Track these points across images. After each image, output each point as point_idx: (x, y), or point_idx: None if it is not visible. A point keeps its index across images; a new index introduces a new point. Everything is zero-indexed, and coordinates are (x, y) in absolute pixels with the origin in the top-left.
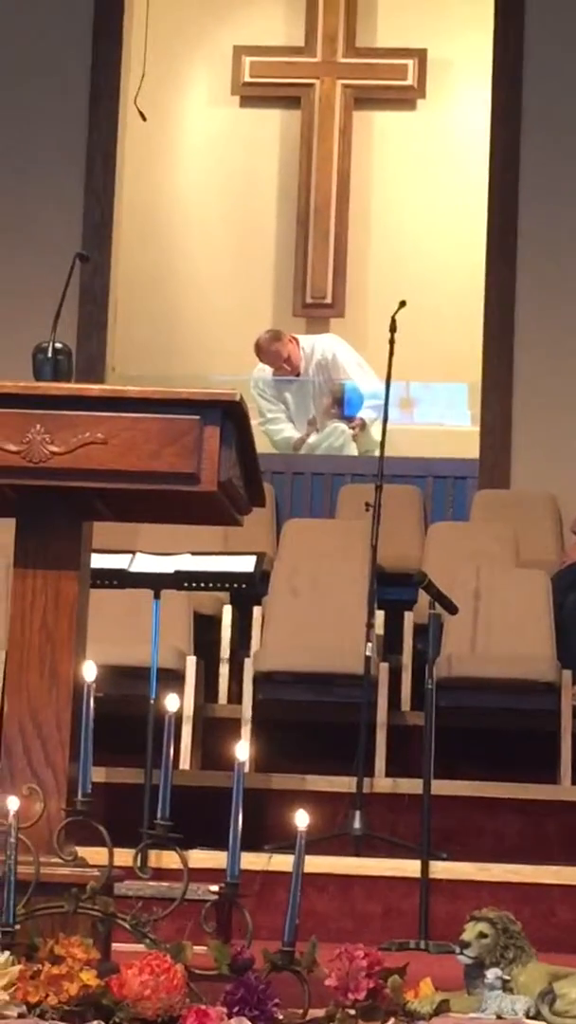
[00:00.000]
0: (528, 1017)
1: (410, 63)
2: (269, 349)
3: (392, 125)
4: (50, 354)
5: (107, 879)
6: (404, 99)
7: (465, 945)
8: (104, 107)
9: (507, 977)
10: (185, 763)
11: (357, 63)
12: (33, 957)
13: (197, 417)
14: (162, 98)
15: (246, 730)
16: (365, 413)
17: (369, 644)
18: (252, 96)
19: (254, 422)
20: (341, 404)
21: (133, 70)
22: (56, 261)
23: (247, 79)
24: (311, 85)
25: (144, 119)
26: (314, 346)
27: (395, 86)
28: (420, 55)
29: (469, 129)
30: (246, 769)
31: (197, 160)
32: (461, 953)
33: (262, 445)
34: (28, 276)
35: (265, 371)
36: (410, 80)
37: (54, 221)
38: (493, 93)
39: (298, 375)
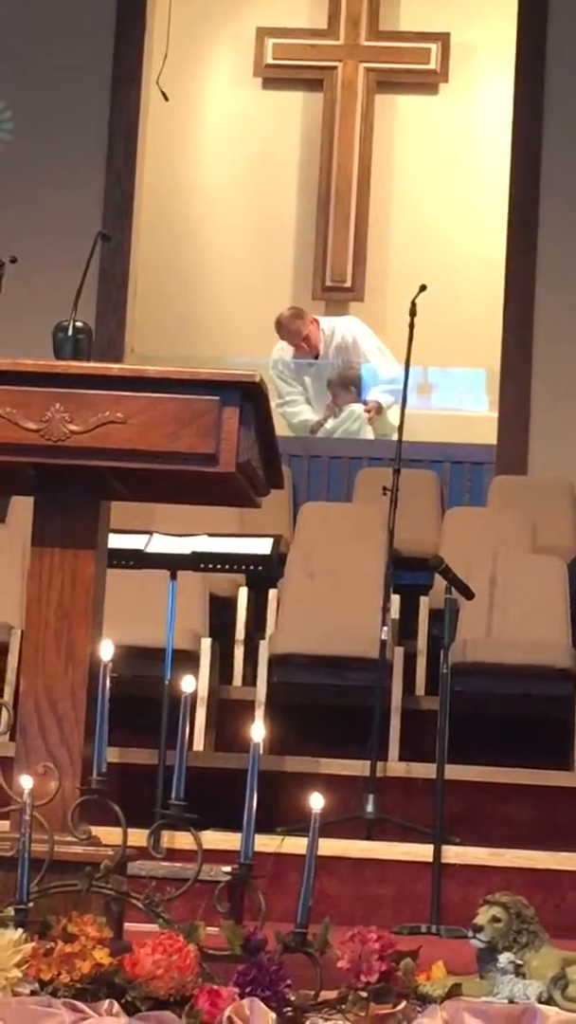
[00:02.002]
0: (540, 1002)
1: (433, 47)
2: (290, 326)
3: (414, 109)
4: (70, 333)
5: (121, 858)
6: (427, 83)
7: (478, 929)
8: (127, 88)
9: (520, 962)
10: (199, 745)
11: (380, 46)
12: (46, 935)
13: (216, 398)
14: (185, 79)
15: (260, 712)
16: (382, 397)
17: (384, 628)
18: (274, 78)
19: (272, 404)
20: (354, 387)
21: (156, 51)
22: (77, 241)
23: (270, 61)
24: (334, 68)
25: (166, 100)
26: (335, 328)
27: (418, 70)
28: (443, 39)
29: (491, 113)
30: (260, 751)
31: (218, 142)
32: (474, 937)
33: (279, 427)
34: (49, 256)
35: (285, 352)
36: (433, 64)
37: (75, 201)
38: (516, 77)
39: (316, 356)
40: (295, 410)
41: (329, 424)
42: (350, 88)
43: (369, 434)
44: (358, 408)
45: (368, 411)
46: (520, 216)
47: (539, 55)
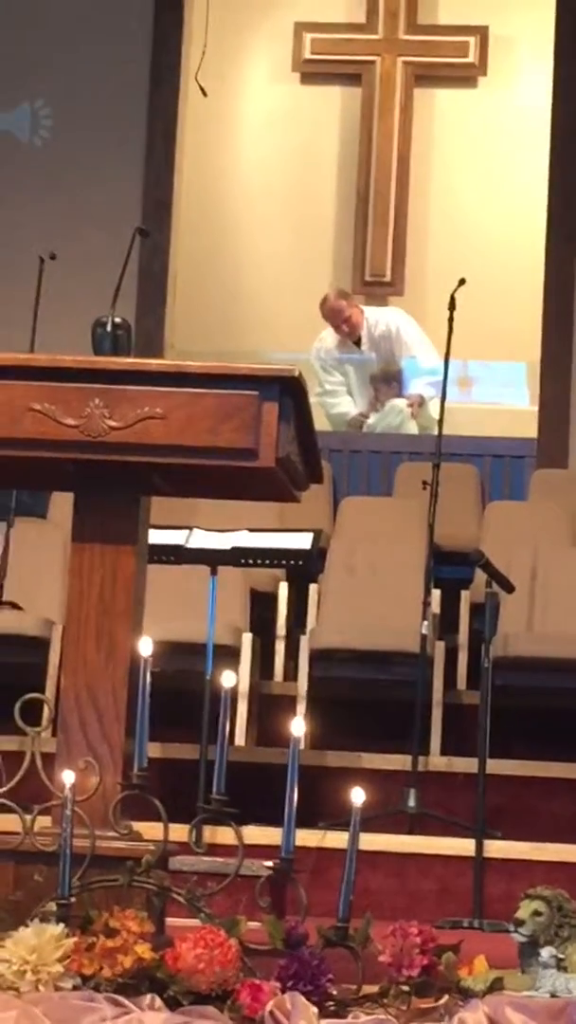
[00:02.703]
0: None
1: (471, 40)
2: (335, 304)
3: (453, 103)
4: (109, 329)
5: (162, 853)
6: (465, 76)
7: (519, 923)
8: (165, 84)
9: (561, 956)
10: (241, 739)
11: (418, 40)
12: (88, 930)
13: (256, 393)
14: (223, 74)
15: (301, 707)
16: (424, 390)
17: (425, 623)
18: (313, 73)
19: (312, 394)
20: (396, 381)
21: (194, 47)
22: (116, 238)
23: (308, 56)
24: (372, 62)
25: (205, 95)
26: (378, 319)
27: (456, 63)
28: (481, 32)
29: (530, 107)
30: (301, 746)
31: (257, 137)
32: (515, 931)
33: (318, 418)
34: (89, 253)
35: (327, 341)
36: (471, 57)
37: (115, 198)
38: (555, 70)
39: (357, 342)
40: (335, 400)
41: (372, 419)
42: (388, 82)
43: (412, 428)
44: (400, 402)
45: (411, 405)
46: (560, 208)
47: None
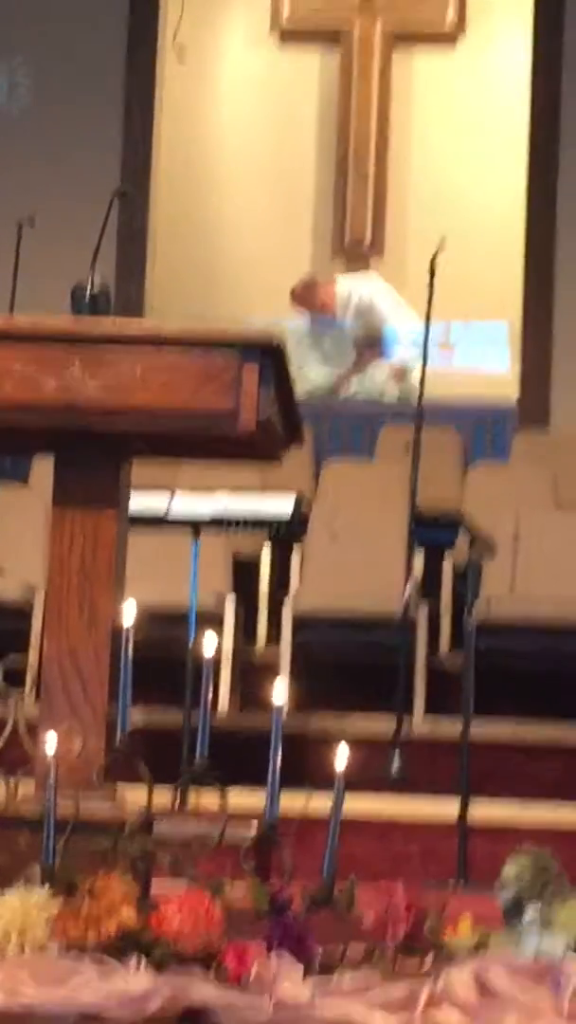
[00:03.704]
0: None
1: (450, 1)
2: (304, 296)
3: (432, 65)
4: (89, 292)
5: (146, 817)
6: (444, 38)
7: (504, 884)
8: (143, 47)
9: (546, 915)
10: (224, 706)
11: (396, 2)
12: (73, 894)
13: (236, 356)
14: (201, 38)
15: (284, 672)
16: (406, 350)
17: (408, 586)
18: (291, 35)
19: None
20: (378, 346)
21: (172, 8)
22: (95, 202)
23: (286, 18)
24: (350, 24)
25: (181, 61)
26: (351, 290)
27: (435, 24)
28: None
29: (510, 67)
30: (284, 711)
31: (236, 100)
32: (499, 892)
33: (302, 387)
34: (68, 217)
35: (303, 319)
36: (450, 19)
37: (93, 162)
38: (534, 30)
39: (335, 318)
40: (315, 370)
41: (353, 383)
42: (367, 44)
43: (393, 390)
44: (382, 368)
45: (392, 372)
46: (540, 169)
47: (557, 7)
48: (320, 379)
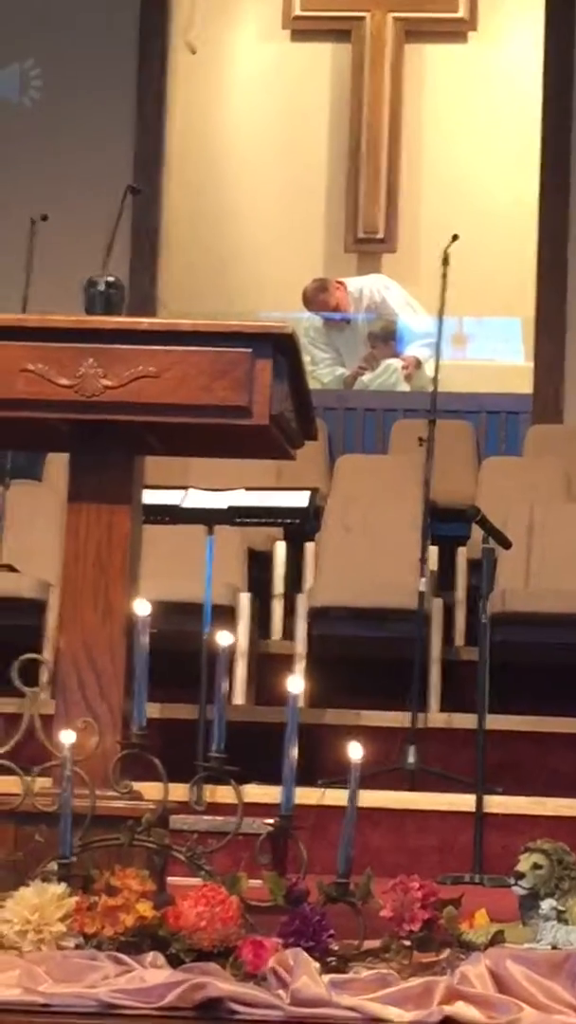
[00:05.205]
0: None
1: None
2: (316, 298)
3: (444, 58)
4: (101, 288)
5: (162, 812)
6: (456, 31)
7: (519, 876)
8: (154, 42)
9: (562, 908)
10: (240, 699)
11: None
12: (89, 889)
13: (249, 350)
14: (213, 32)
15: (299, 665)
16: (418, 351)
17: (422, 579)
18: (303, 30)
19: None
20: (393, 340)
21: (183, 3)
22: (108, 198)
23: (298, 13)
24: (362, 18)
25: (193, 52)
26: (362, 289)
27: (446, 18)
28: None
29: (521, 60)
30: (300, 704)
31: (248, 94)
32: (515, 884)
33: (312, 385)
34: (80, 212)
35: (315, 317)
36: (461, 12)
37: (105, 158)
38: (546, 23)
39: (348, 321)
40: (327, 370)
41: (366, 378)
42: (379, 38)
43: (405, 388)
44: (395, 362)
45: (406, 367)
46: (552, 162)
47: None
48: (333, 375)
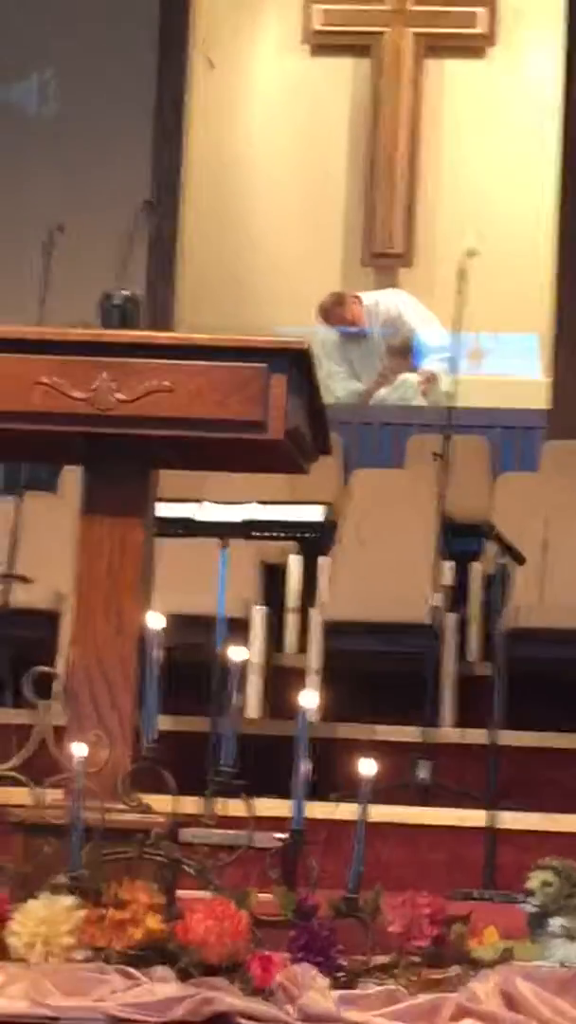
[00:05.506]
0: None
1: (480, 10)
2: (332, 312)
3: (463, 73)
4: (117, 302)
5: (172, 825)
6: (475, 47)
7: (529, 893)
8: (173, 56)
9: (571, 925)
10: (254, 712)
11: (427, 10)
12: (99, 902)
13: (264, 365)
14: (232, 46)
15: (313, 679)
16: (434, 365)
17: (436, 594)
18: (322, 44)
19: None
20: (410, 354)
21: (203, 16)
22: (126, 211)
23: (317, 27)
24: (381, 33)
25: (212, 66)
26: (378, 303)
27: (465, 34)
28: (491, 2)
29: (541, 76)
30: (313, 718)
31: (267, 109)
32: (525, 901)
33: (326, 399)
34: (99, 226)
35: (330, 331)
36: (481, 28)
37: (124, 171)
38: (566, 39)
39: (364, 335)
40: (341, 384)
41: (383, 392)
42: (398, 53)
43: (422, 403)
44: (412, 377)
45: (422, 381)
46: (570, 177)
47: None
48: (348, 390)
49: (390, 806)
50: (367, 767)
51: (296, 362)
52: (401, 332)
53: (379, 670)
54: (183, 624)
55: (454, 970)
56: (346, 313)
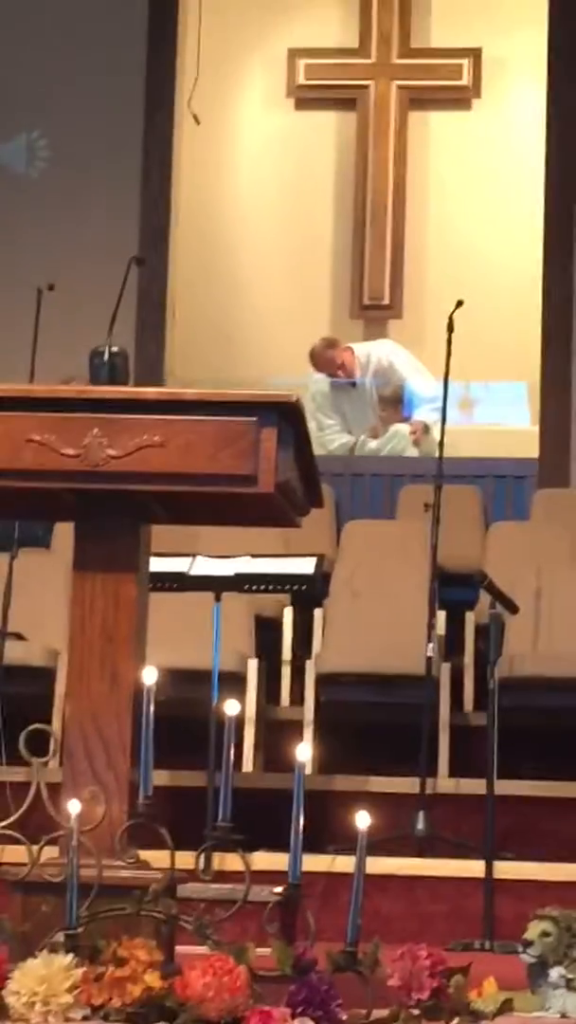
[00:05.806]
0: None
1: (465, 62)
2: (323, 355)
3: (448, 125)
4: (106, 357)
5: (170, 881)
6: (459, 99)
7: (528, 944)
8: (160, 112)
9: (571, 976)
10: (248, 766)
11: (412, 63)
12: (97, 959)
13: (254, 419)
14: (217, 102)
15: (308, 732)
16: (426, 416)
17: (430, 645)
18: (307, 99)
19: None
20: (401, 405)
21: (188, 74)
22: (114, 267)
23: (302, 82)
24: (366, 87)
25: (198, 123)
26: (370, 354)
27: (450, 86)
28: (475, 54)
29: (525, 127)
30: (308, 771)
31: (253, 163)
32: (524, 952)
33: (317, 451)
34: (87, 282)
35: (322, 383)
36: (465, 80)
37: (112, 228)
38: (548, 90)
39: (354, 385)
40: (332, 438)
41: (374, 444)
42: (383, 106)
43: (414, 453)
44: (404, 428)
45: (413, 432)
46: (556, 227)
47: (571, 67)
48: (340, 441)
49: (388, 857)
50: (363, 820)
51: (286, 415)
52: (392, 382)
53: (374, 721)
54: (178, 679)
55: (454, 1022)
56: (337, 356)
